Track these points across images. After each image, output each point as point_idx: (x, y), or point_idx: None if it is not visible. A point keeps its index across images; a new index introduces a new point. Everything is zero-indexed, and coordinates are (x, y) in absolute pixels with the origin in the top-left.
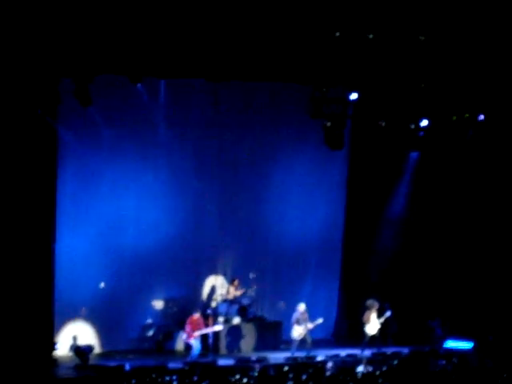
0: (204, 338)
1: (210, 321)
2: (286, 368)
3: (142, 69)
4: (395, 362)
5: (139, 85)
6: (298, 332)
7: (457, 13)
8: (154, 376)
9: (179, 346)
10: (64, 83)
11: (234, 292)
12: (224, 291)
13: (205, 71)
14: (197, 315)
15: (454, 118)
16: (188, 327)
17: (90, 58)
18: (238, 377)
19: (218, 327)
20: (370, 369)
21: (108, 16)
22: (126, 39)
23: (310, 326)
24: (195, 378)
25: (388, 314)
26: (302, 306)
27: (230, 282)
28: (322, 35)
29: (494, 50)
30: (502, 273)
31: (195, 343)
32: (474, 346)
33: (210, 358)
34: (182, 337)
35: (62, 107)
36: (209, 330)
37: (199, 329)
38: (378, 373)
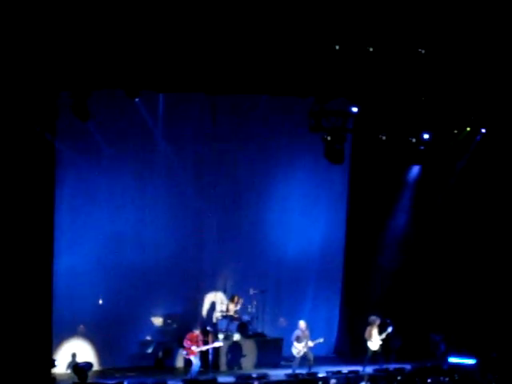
0: (204, 354)
1: (210, 337)
2: None
3: (140, 83)
4: (398, 379)
5: (137, 99)
6: (297, 349)
7: (457, 26)
8: None
9: (179, 362)
10: (62, 98)
11: (234, 308)
12: (224, 307)
13: (203, 85)
14: (197, 331)
15: (456, 131)
16: (187, 343)
17: (88, 73)
18: None
19: (218, 344)
20: None
21: (105, 30)
22: (124, 53)
23: (311, 344)
24: None
25: (389, 330)
26: (302, 323)
27: (230, 298)
28: (322, 48)
29: (494, 63)
30: (506, 290)
31: (195, 360)
32: (477, 363)
33: (210, 376)
34: (182, 353)
35: (59, 122)
36: (209, 347)
37: (199, 345)
38: None
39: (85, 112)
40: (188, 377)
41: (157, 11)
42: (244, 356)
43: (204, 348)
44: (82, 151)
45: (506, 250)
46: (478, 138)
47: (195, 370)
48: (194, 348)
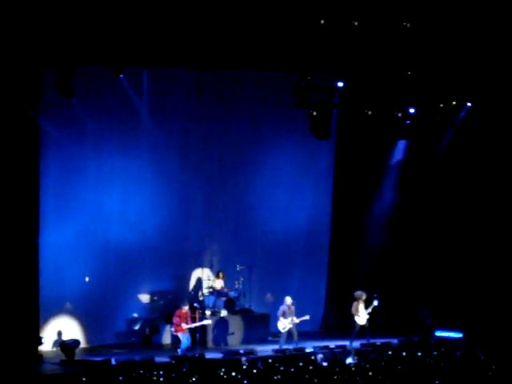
0: (191, 331)
1: (197, 314)
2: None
3: (124, 59)
4: (385, 353)
5: (122, 76)
6: (283, 325)
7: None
8: (141, 372)
9: (166, 339)
10: (46, 75)
11: (220, 285)
12: (210, 284)
13: (188, 60)
14: (185, 308)
15: (441, 105)
16: (176, 320)
17: (72, 49)
18: (226, 370)
19: (207, 321)
20: (359, 360)
21: (89, 6)
22: (108, 29)
23: (297, 320)
24: (183, 372)
25: (375, 304)
26: (288, 299)
27: (215, 274)
28: (307, 22)
29: (480, 36)
30: (491, 263)
31: (182, 337)
32: (463, 336)
33: (197, 352)
34: (170, 329)
35: (44, 99)
36: (198, 324)
37: (188, 322)
38: (367, 364)
39: (69, 89)
40: (179, 353)
41: None
42: (231, 332)
43: (193, 325)
44: (66, 128)
45: (492, 224)
46: (464, 112)
47: (184, 346)
48: (183, 325)
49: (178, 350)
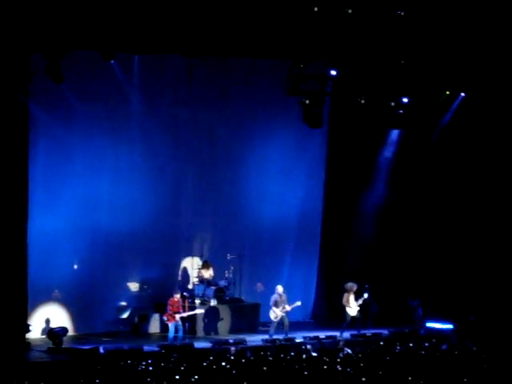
0: (182, 320)
1: (187, 303)
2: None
3: (115, 44)
4: (376, 344)
5: (112, 61)
6: (275, 314)
7: None
8: (129, 362)
9: (155, 328)
10: (35, 60)
11: (208, 274)
12: (200, 273)
13: (179, 46)
14: (177, 296)
15: (435, 95)
16: (169, 308)
17: (62, 33)
18: (215, 360)
19: (200, 310)
20: (349, 351)
21: None
22: (98, 13)
23: (288, 308)
24: (171, 361)
25: (365, 295)
26: (280, 288)
27: (202, 265)
28: (300, 10)
29: (474, 26)
30: (482, 254)
31: (171, 326)
32: (454, 327)
33: (186, 341)
34: (163, 319)
35: (33, 84)
36: (190, 313)
37: (180, 311)
38: (358, 355)
39: (58, 74)
40: (177, 342)
41: None
42: (221, 321)
43: (185, 314)
44: (56, 114)
45: (482, 215)
46: (457, 102)
47: (172, 335)
48: (175, 314)
49: (178, 340)
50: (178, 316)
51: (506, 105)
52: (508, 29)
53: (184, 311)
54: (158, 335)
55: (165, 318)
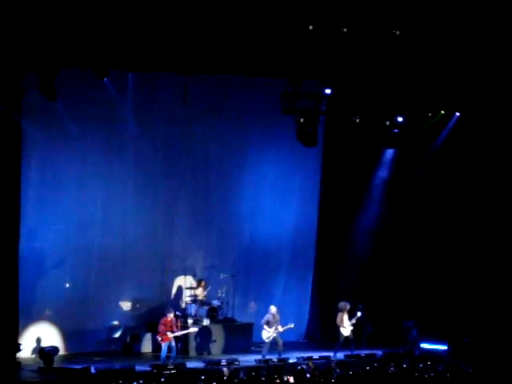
0: (176, 339)
1: (179, 322)
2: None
3: (109, 61)
4: (369, 365)
5: (106, 79)
6: (267, 334)
7: (432, 7)
8: (120, 382)
9: (147, 348)
10: (28, 77)
11: (202, 293)
12: (193, 292)
13: (173, 64)
14: (170, 315)
15: (430, 114)
16: (161, 328)
17: (56, 51)
18: (207, 380)
19: (194, 329)
20: (342, 371)
21: (74, 8)
22: (93, 31)
23: (281, 329)
24: (163, 382)
25: (358, 315)
26: (273, 308)
27: (197, 283)
28: (296, 28)
29: (469, 46)
30: (477, 275)
31: (164, 345)
32: (448, 348)
33: (178, 361)
34: (157, 338)
35: (26, 101)
36: (184, 332)
37: (173, 330)
38: (351, 375)
39: (52, 91)
40: (170, 361)
41: None
42: (213, 341)
43: (179, 334)
44: (49, 132)
45: (478, 235)
46: (452, 122)
47: (164, 355)
48: (168, 333)
49: (171, 359)
50: (171, 335)
51: (501, 124)
52: (502, 49)
53: (178, 330)
54: (150, 355)
55: (158, 337)
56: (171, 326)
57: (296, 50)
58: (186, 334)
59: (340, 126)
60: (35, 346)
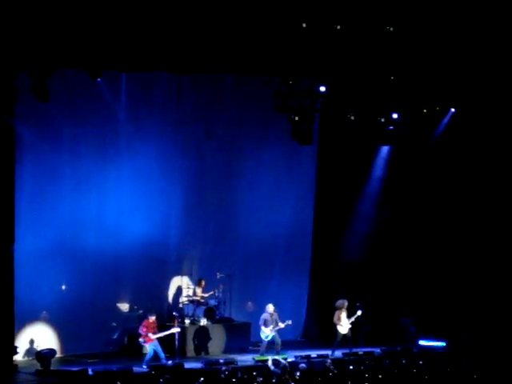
0: (171, 340)
1: (176, 322)
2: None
3: (102, 62)
4: (367, 362)
5: (99, 79)
6: (265, 333)
7: (426, 3)
8: (118, 383)
9: (145, 349)
10: (21, 78)
11: (201, 293)
12: (190, 292)
13: (167, 63)
14: (152, 318)
15: (425, 111)
16: (143, 330)
17: (48, 52)
18: (205, 380)
19: (176, 329)
20: (338, 370)
21: (66, 8)
22: (85, 32)
23: (282, 325)
24: (161, 383)
25: (359, 313)
26: (270, 307)
27: (197, 282)
28: (289, 26)
29: (464, 42)
30: (474, 272)
31: (149, 347)
32: (447, 345)
33: (176, 361)
34: (140, 340)
35: (19, 103)
36: (166, 333)
37: (155, 332)
38: (349, 372)
39: (44, 93)
40: (167, 362)
41: None
42: (211, 341)
43: (161, 334)
44: (42, 133)
45: (475, 233)
46: (447, 118)
47: (150, 357)
48: (150, 335)
49: (166, 361)
50: (153, 336)
51: (496, 120)
52: (497, 45)
53: (160, 331)
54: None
55: (141, 339)
56: (153, 328)
57: (290, 48)
58: (184, 335)
59: (335, 123)
60: (32, 348)
